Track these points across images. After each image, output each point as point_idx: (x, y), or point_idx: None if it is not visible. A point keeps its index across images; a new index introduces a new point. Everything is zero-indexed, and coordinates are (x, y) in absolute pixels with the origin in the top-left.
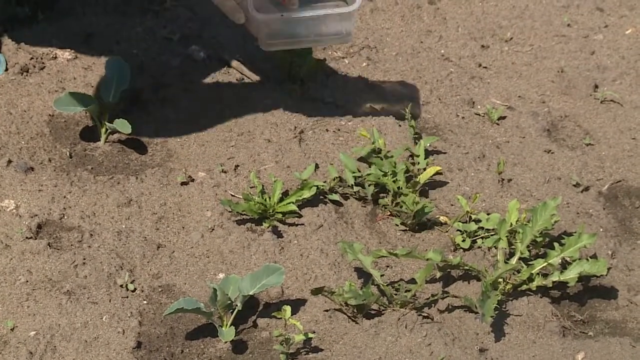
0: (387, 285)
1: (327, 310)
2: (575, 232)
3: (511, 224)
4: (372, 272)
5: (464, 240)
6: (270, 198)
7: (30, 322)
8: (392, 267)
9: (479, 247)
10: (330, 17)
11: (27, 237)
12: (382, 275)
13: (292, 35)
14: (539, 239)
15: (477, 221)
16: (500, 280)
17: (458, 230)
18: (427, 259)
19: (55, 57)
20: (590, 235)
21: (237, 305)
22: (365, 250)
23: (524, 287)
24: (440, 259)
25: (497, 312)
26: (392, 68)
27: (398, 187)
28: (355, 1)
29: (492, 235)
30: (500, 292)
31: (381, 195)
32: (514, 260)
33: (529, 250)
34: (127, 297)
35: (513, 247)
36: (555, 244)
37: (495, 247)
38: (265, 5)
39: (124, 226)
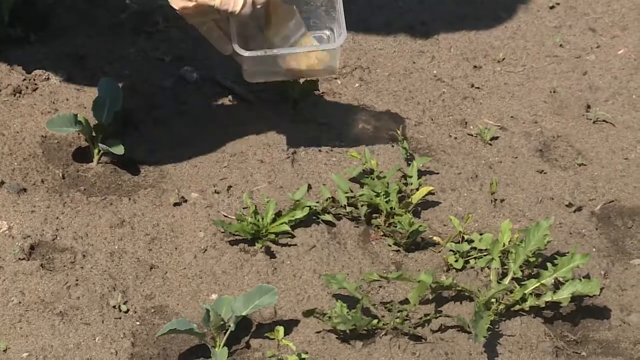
0: (379, 305)
1: (319, 332)
2: (568, 252)
3: (504, 244)
4: (360, 297)
5: (456, 261)
6: (263, 219)
7: (23, 343)
8: (385, 288)
9: (472, 268)
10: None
11: (19, 258)
12: (376, 294)
13: (275, 70)
14: (531, 259)
15: (470, 241)
16: (493, 300)
17: (451, 250)
18: (419, 281)
19: (48, 78)
20: (583, 255)
21: (230, 326)
22: (358, 271)
23: (517, 307)
24: (432, 280)
25: (490, 332)
26: (385, 88)
27: (391, 208)
28: (340, 36)
29: (484, 255)
30: (493, 312)
31: (374, 215)
32: (506, 281)
33: (522, 271)
34: (120, 318)
35: (506, 267)
36: (548, 264)
37: (488, 267)
38: (250, 31)
39: (116, 247)
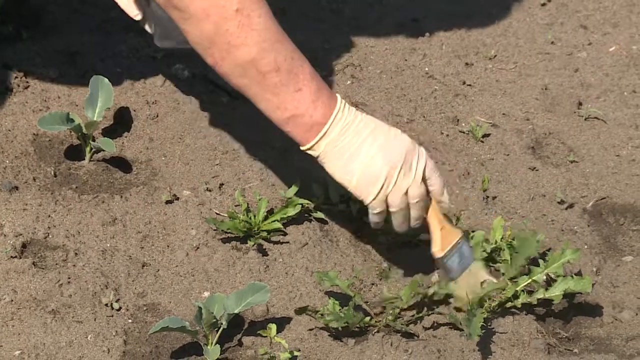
0: (372, 303)
1: (311, 329)
2: (558, 250)
3: (496, 242)
4: (352, 295)
5: None
6: (255, 216)
7: (15, 341)
8: (377, 285)
9: None
10: None
11: (11, 256)
12: (368, 292)
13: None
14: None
15: None
16: (486, 298)
17: None
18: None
19: (40, 76)
20: (574, 250)
21: (222, 324)
22: (350, 268)
23: (509, 304)
24: (416, 291)
25: (483, 330)
26: (377, 86)
27: None
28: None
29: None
30: (486, 309)
31: (366, 213)
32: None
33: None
34: (112, 316)
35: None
36: (540, 261)
37: None
38: None
39: (108, 245)
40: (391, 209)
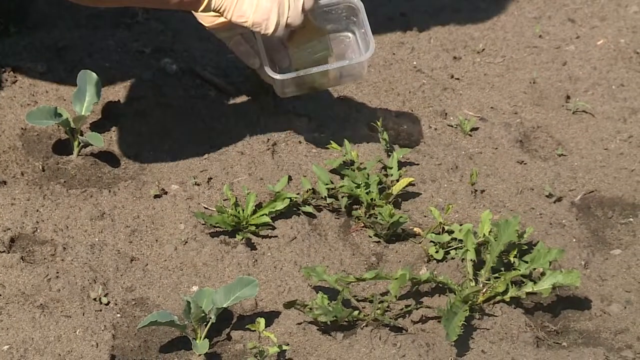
0: (360, 297)
1: (300, 323)
2: (546, 243)
3: (484, 235)
4: (340, 289)
5: (437, 252)
6: (243, 210)
7: (3, 336)
8: (365, 279)
9: (452, 258)
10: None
11: (0, 251)
12: (357, 286)
13: (307, 84)
14: (510, 252)
15: (450, 232)
16: (471, 294)
17: (431, 241)
18: (396, 279)
19: (28, 71)
20: (559, 250)
21: (211, 318)
22: (339, 262)
23: (498, 298)
24: (409, 277)
25: (470, 322)
26: (365, 80)
27: (371, 199)
28: (369, 49)
29: (464, 246)
30: (471, 304)
31: (354, 207)
32: (483, 272)
33: (502, 261)
34: (101, 310)
35: (483, 257)
36: (527, 256)
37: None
38: (275, 45)
39: (97, 239)
40: (292, 27)
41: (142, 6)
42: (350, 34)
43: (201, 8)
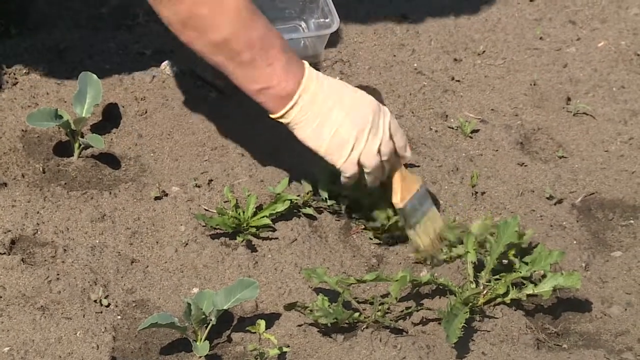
0: (360, 299)
1: (300, 325)
2: (547, 245)
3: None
4: (340, 291)
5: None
6: (244, 212)
7: (4, 338)
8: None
9: (453, 261)
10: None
11: (0, 253)
12: (357, 288)
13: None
14: (510, 253)
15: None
16: (472, 296)
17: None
18: (396, 281)
19: (28, 73)
20: (560, 252)
21: (211, 320)
22: (339, 264)
23: (498, 300)
24: (410, 279)
25: (471, 324)
26: (366, 82)
27: (372, 201)
28: (332, 25)
29: (465, 248)
30: (471, 307)
31: (355, 209)
32: (484, 274)
33: (502, 263)
34: (101, 312)
35: (483, 258)
36: (527, 258)
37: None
38: None
39: (97, 241)
40: (366, 170)
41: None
42: (303, 23)
43: (280, 111)
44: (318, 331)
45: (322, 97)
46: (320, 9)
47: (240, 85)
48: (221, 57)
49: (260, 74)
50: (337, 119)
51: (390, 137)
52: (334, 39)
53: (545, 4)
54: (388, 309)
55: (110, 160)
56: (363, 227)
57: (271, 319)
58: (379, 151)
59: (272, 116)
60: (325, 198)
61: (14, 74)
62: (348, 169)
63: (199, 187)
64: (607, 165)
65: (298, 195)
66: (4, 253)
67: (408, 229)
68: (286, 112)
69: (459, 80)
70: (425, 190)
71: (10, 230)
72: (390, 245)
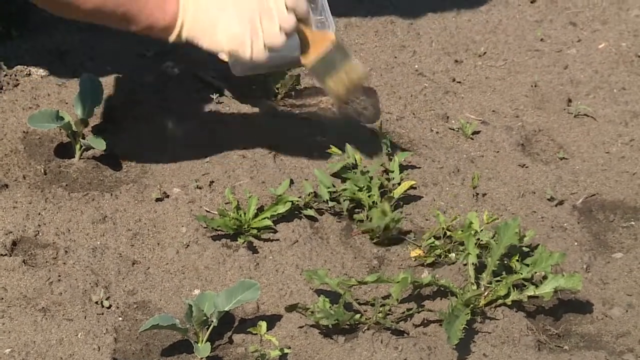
0: (362, 301)
1: (302, 327)
2: (548, 246)
3: (479, 239)
4: (342, 292)
5: (439, 255)
6: (245, 214)
7: (5, 339)
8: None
9: (453, 263)
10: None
11: (1, 254)
12: (358, 289)
13: (255, 67)
14: (512, 255)
15: (452, 236)
16: (473, 298)
17: (432, 245)
18: (397, 283)
19: (29, 74)
20: (561, 254)
21: (212, 321)
22: (340, 265)
23: (500, 301)
24: (411, 280)
25: (472, 326)
26: (366, 83)
27: (373, 202)
28: (329, 29)
29: (466, 249)
30: (472, 308)
31: (356, 210)
32: (485, 275)
33: (503, 265)
34: (103, 313)
35: (483, 259)
36: (528, 259)
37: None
38: None
39: (98, 243)
40: (275, 50)
41: (108, 25)
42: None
43: (172, 38)
44: (319, 332)
45: (204, 4)
46: (319, 12)
47: (128, 29)
48: (97, 18)
49: (139, 16)
50: (225, 19)
51: (290, 10)
52: None
53: (546, 6)
54: (389, 310)
55: (111, 161)
56: (364, 228)
57: (272, 321)
58: (281, 28)
59: (170, 40)
60: (327, 200)
61: (15, 76)
62: (259, 57)
63: (200, 188)
64: (608, 167)
65: (299, 197)
66: (5, 254)
67: (322, 84)
68: (177, 35)
69: (460, 82)
70: (338, 46)
71: (11, 232)
72: (391, 246)
